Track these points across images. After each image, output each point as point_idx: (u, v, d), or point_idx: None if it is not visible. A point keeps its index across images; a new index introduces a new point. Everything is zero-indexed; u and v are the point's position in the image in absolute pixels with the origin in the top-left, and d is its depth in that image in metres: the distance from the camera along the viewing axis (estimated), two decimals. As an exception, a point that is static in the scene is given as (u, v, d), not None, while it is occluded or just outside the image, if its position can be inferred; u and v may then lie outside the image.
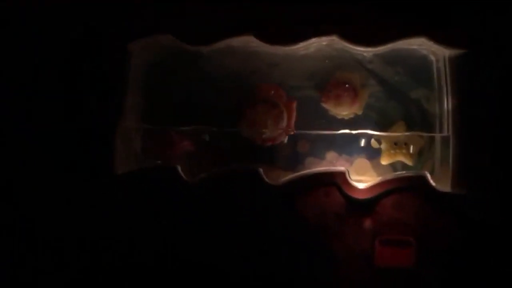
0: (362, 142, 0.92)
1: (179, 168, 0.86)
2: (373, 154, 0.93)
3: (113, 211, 0.86)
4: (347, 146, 0.93)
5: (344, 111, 0.92)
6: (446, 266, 0.84)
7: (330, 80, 0.93)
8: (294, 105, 0.92)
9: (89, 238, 0.87)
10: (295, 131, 0.92)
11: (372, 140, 0.93)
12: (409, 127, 0.91)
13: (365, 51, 0.89)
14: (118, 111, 0.88)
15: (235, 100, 0.93)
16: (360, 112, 0.93)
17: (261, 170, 0.85)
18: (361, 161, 0.93)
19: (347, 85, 0.92)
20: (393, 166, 0.93)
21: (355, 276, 0.84)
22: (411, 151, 0.92)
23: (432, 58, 0.91)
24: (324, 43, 0.88)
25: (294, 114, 0.92)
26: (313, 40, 0.86)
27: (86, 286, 0.87)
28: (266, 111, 0.90)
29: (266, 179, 0.85)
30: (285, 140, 0.93)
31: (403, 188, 0.85)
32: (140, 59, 0.91)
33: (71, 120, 0.87)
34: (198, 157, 0.94)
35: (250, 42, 0.88)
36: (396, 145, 0.92)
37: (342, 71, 0.93)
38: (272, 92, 0.92)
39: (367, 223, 0.85)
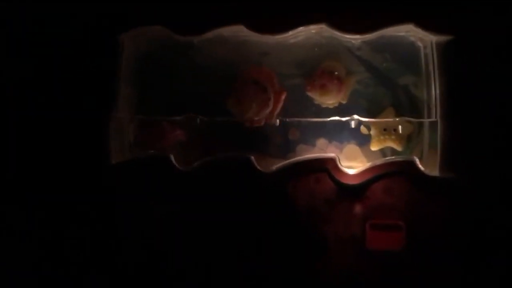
0: (353, 124, 0.91)
1: (172, 157, 0.87)
2: (362, 140, 0.94)
3: (108, 201, 0.88)
4: (337, 133, 0.94)
5: (329, 100, 0.93)
6: (435, 248, 0.85)
7: (316, 69, 0.93)
8: (283, 96, 0.92)
9: (85, 230, 0.88)
10: (276, 121, 0.92)
11: (362, 127, 0.93)
12: (398, 113, 0.92)
13: (353, 39, 0.90)
14: (111, 102, 0.88)
15: (226, 89, 0.93)
16: (344, 101, 0.93)
17: (252, 158, 0.86)
18: (351, 147, 0.94)
19: (332, 74, 0.92)
20: (382, 152, 0.94)
21: (346, 260, 0.86)
22: (400, 132, 0.92)
23: (420, 44, 0.91)
24: (313, 31, 0.89)
25: (281, 105, 0.92)
26: (302, 28, 0.87)
27: (84, 277, 0.88)
28: (254, 93, 0.90)
29: (258, 167, 0.86)
30: (262, 123, 0.92)
31: (392, 173, 0.86)
32: (131, 50, 0.92)
33: (65, 112, 0.88)
34: (190, 146, 0.95)
35: (240, 31, 0.88)
36: (385, 131, 0.92)
37: (328, 60, 0.93)
38: (265, 77, 0.92)
39: (358, 208, 0.86)
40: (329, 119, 0.91)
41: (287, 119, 0.92)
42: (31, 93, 0.89)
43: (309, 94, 0.93)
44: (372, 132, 0.93)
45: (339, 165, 0.86)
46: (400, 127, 0.92)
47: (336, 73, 0.92)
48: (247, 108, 0.89)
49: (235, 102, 0.90)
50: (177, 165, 0.87)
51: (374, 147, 0.93)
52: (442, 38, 0.86)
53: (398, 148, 0.93)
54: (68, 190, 0.88)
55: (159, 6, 0.87)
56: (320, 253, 0.86)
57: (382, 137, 0.93)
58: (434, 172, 0.87)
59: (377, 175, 0.86)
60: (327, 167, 0.86)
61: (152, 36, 0.93)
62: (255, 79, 0.91)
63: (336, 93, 0.92)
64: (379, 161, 0.88)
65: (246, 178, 0.86)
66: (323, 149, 0.94)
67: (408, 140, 0.93)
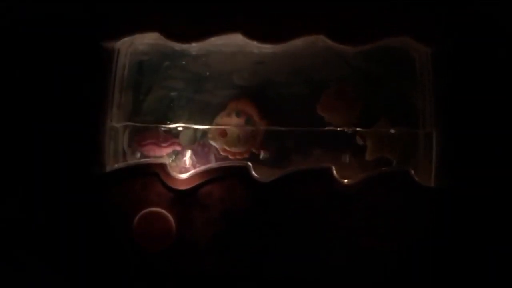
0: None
1: (168, 165, 0.87)
2: (357, 150, 0.94)
3: (103, 209, 0.87)
4: (333, 142, 0.93)
5: (340, 121, 0.93)
6: (429, 256, 0.86)
7: (326, 91, 0.94)
8: (265, 125, 0.93)
9: (80, 237, 0.87)
10: (261, 150, 0.93)
11: (357, 137, 0.93)
12: (393, 123, 0.93)
13: (349, 48, 0.90)
14: (105, 109, 0.88)
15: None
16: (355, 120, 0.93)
17: (249, 164, 0.86)
18: (346, 157, 0.94)
19: (343, 94, 0.93)
20: (377, 162, 0.94)
21: (340, 264, 0.86)
22: (394, 142, 0.92)
23: (415, 54, 0.92)
24: (310, 40, 0.88)
25: (262, 134, 0.93)
26: (300, 38, 0.86)
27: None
28: (239, 126, 0.91)
29: (254, 175, 0.86)
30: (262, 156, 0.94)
31: (387, 183, 0.86)
32: (127, 57, 0.92)
33: (59, 119, 0.88)
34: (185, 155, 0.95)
35: (237, 40, 0.88)
36: (380, 141, 0.93)
37: (339, 83, 0.94)
38: (247, 108, 0.93)
39: (352, 217, 0.86)
40: (325, 128, 0.91)
41: (284, 128, 0.92)
42: (25, 99, 0.89)
43: (320, 113, 0.93)
44: (367, 142, 0.94)
45: (334, 174, 0.86)
46: (394, 137, 0.92)
47: (345, 95, 0.93)
48: (233, 141, 0.91)
49: (219, 135, 0.91)
50: (171, 173, 0.87)
51: (369, 157, 0.94)
52: (437, 49, 0.87)
53: (393, 158, 0.93)
54: (62, 196, 0.87)
55: (156, 13, 0.87)
56: (314, 259, 0.86)
57: (377, 147, 0.93)
58: (429, 182, 0.88)
59: (371, 185, 0.86)
60: (322, 176, 0.86)
61: (147, 44, 0.93)
62: (237, 111, 0.92)
63: (345, 113, 0.92)
64: (374, 171, 0.89)
65: (241, 186, 0.86)
66: (318, 159, 0.94)
67: (403, 150, 0.94)
